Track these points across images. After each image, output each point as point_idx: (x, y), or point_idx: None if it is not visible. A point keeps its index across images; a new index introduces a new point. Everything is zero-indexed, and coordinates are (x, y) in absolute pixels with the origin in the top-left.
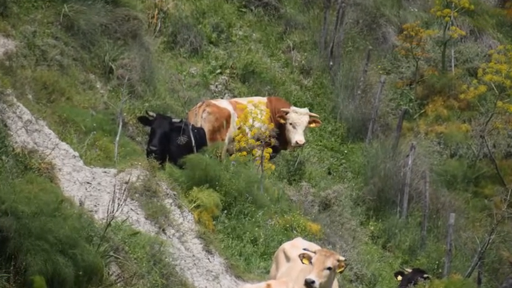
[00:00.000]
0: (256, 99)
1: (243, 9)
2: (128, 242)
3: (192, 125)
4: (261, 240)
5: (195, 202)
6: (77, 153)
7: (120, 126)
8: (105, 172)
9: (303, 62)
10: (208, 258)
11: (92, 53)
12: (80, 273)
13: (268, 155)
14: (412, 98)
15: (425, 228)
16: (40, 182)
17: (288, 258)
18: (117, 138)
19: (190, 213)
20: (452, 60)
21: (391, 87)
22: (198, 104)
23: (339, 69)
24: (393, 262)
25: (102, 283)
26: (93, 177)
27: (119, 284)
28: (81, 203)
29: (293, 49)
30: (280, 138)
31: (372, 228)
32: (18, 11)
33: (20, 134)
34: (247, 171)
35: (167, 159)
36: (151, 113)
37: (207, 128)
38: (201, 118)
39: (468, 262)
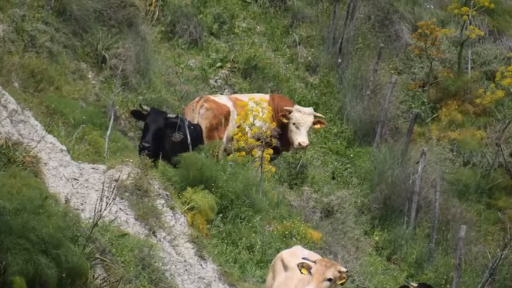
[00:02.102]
0: (258, 96)
1: (247, 0)
2: (115, 244)
3: (189, 122)
4: (258, 247)
5: (188, 204)
6: (64, 147)
7: (112, 120)
8: (94, 168)
9: (309, 58)
10: (201, 264)
11: (84, 40)
12: (63, 275)
13: (268, 156)
14: (425, 101)
15: (433, 241)
16: (24, 176)
17: (285, 267)
18: (108, 133)
19: (183, 215)
20: (469, 62)
21: (403, 89)
22: (196, 99)
23: (348, 68)
24: (398, 275)
25: (87, 286)
26: (81, 174)
27: None
28: (67, 201)
29: (299, 44)
30: (282, 138)
31: (377, 238)
32: None
33: (4, 124)
34: (245, 172)
35: (160, 156)
36: (145, 107)
37: (204, 125)
38: (198, 114)
39: (478, 278)
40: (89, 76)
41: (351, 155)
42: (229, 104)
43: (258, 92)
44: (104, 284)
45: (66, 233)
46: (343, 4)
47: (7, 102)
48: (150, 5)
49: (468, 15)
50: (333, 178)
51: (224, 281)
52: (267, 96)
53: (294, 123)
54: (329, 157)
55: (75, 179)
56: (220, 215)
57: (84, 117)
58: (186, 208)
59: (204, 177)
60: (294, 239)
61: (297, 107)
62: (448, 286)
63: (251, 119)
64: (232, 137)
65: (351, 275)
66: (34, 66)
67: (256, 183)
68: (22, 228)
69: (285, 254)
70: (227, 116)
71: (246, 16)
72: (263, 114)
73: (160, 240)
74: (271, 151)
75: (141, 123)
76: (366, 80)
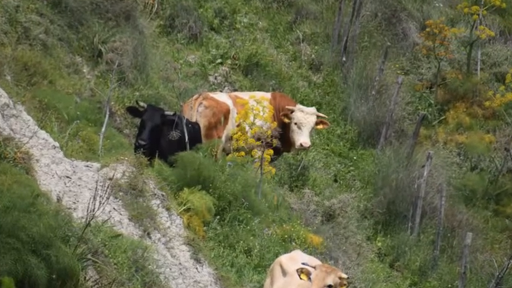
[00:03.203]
0: (258, 94)
1: None
2: (108, 245)
3: (187, 119)
4: (256, 250)
5: (185, 205)
6: (57, 144)
7: (107, 116)
8: (88, 166)
9: (313, 56)
10: (197, 268)
11: (79, 33)
12: (54, 276)
13: (268, 157)
14: (432, 102)
15: (438, 248)
16: (15, 173)
17: (284, 273)
18: (103, 130)
19: (179, 216)
20: (479, 63)
21: (409, 90)
22: (194, 97)
23: (353, 67)
24: (401, 283)
25: None
26: (74, 171)
27: None
28: (59, 199)
29: (303, 41)
30: (283, 139)
31: (380, 244)
32: None
33: None
34: (244, 173)
35: (157, 155)
36: (142, 104)
37: (202, 123)
38: (196, 112)
39: (484, 287)
40: (84, 70)
41: (354, 157)
42: (229, 102)
43: (259, 90)
44: (96, 286)
45: (57, 233)
46: (349, 0)
47: None
48: None
49: (478, 15)
50: (335, 181)
51: (220, 286)
52: (268, 95)
53: (295, 123)
54: (331, 159)
55: (67, 177)
56: (218, 217)
57: (78, 112)
58: (182, 209)
59: (202, 178)
60: (293, 243)
61: (299, 106)
62: None
63: (251, 118)
64: (231, 137)
65: (352, 282)
66: (27, 59)
67: (256, 184)
68: (12, 227)
69: (284, 258)
70: (226, 114)
71: (248, 11)
72: (264, 113)
73: (154, 242)
74: (271, 152)
75: (137, 120)
76: (371, 80)
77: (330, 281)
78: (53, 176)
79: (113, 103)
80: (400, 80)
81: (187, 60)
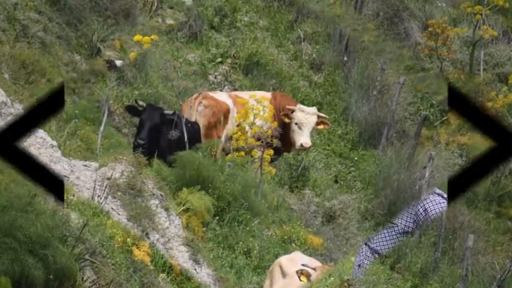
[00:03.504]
0: (259, 93)
1: None
2: (106, 245)
3: (186, 119)
4: (255, 252)
5: (183, 205)
6: (55, 143)
7: (106, 115)
8: (86, 165)
9: (314, 55)
10: (195, 269)
11: (78, 31)
12: (51, 276)
13: (269, 157)
14: (434, 103)
15: (439, 250)
16: (12, 172)
17: (284, 274)
18: (101, 129)
19: (177, 217)
20: (481, 64)
21: (411, 90)
22: (194, 96)
23: (354, 66)
24: (402, 285)
25: None
26: (72, 171)
27: None
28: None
29: (304, 40)
30: (283, 139)
31: None
32: None
33: None
34: (244, 174)
35: (156, 155)
36: (140, 103)
37: (202, 122)
38: (196, 111)
39: None
40: (83, 69)
41: (355, 158)
42: (229, 102)
43: (259, 90)
44: (94, 287)
45: (54, 233)
46: (350, 0)
47: None
48: None
49: (481, 15)
50: (336, 182)
51: (219, 287)
52: (268, 94)
53: (296, 123)
54: (332, 159)
55: (65, 176)
56: (217, 217)
57: (76, 111)
58: (181, 209)
59: (201, 178)
60: (293, 245)
61: (299, 106)
62: None
63: (251, 118)
64: (231, 136)
65: (352, 284)
66: (25, 57)
67: (255, 185)
68: (9, 227)
69: (283, 260)
70: (226, 114)
71: (249, 10)
72: (264, 113)
73: (153, 243)
74: (271, 152)
75: (136, 120)
76: (372, 80)
77: None
78: None
79: (111, 102)
80: (402, 80)
81: (187, 59)
